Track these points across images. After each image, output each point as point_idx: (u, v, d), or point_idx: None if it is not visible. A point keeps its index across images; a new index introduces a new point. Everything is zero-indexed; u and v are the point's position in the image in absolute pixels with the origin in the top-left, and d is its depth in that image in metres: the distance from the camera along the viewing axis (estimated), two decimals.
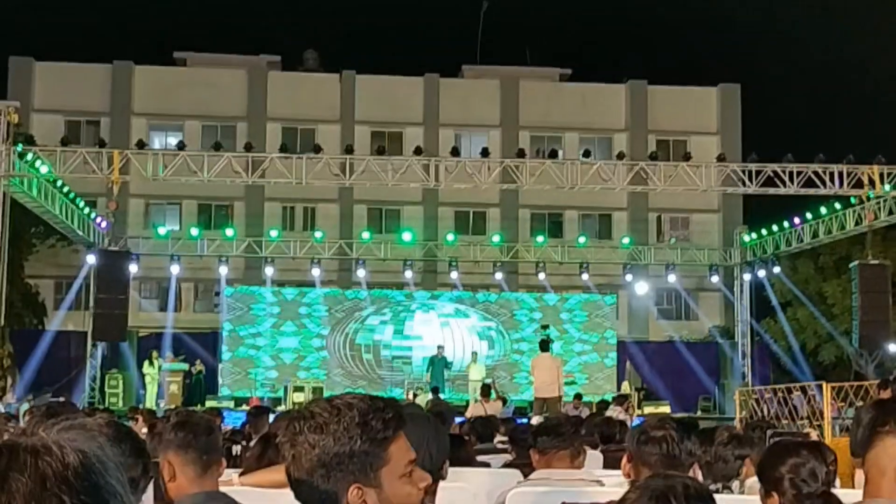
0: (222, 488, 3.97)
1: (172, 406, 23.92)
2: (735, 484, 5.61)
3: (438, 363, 29.02)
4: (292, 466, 2.30)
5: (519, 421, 14.08)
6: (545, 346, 22.07)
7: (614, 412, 17.97)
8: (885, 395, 14.00)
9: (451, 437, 3.98)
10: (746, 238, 33.43)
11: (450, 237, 33.96)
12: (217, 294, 38.22)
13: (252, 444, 9.36)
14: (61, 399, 20.20)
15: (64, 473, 1.16)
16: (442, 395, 27.07)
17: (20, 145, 24.08)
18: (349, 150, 26.72)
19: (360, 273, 32.21)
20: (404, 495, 2.30)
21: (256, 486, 4.89)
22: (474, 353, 29.65)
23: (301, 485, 2.29)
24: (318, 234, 33.37)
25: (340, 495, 2.25)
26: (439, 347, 29.59)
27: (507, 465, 7.48)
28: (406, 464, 2.34)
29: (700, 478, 4.15)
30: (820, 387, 26.78)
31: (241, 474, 5.41)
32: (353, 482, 2.25)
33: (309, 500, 2.29)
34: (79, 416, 3.26)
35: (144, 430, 7.80)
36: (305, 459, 2.26)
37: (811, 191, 25.42)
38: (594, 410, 19.65)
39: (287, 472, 2.32)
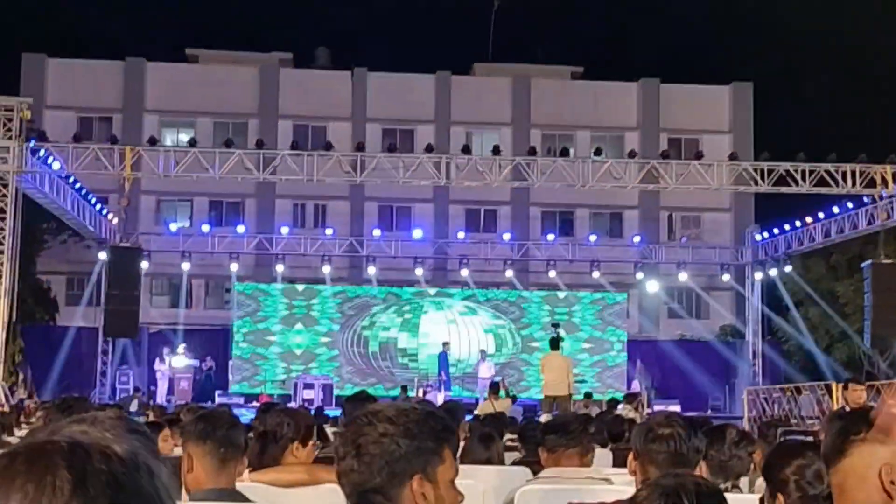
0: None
1: (182, 402, 24.00)
2: (744, 482, 5.61)
3: (444, 361, 29.05)
4: (353, 459, 2.41)
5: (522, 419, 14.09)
6: (555, 344, 22.04)
7: (624, 410, 17.96)
8: (853, 394, 14.00)
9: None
10: (758, 237, 33.36)
11: (460, 235, 33.97)
12: (228, 291, 38.32)
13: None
14: (75, 395, 20.28)
15: (111, 475, 1.12)
16: (450, 394, 27.16)
17: (33, 141, 24.18)
18: (360, 147, 26.75)
19: (371, 270, 32.25)
20: (452, 497, 2.46)
21: (267, 483, 4.91)
22: (482, 351, 29.66)
23: (358, 475, 2.41)
24: (328, 232, 33.42)
25: (400, 485, 2.39)
26: (445, 344, 29.60)
27: (516, 463, 7.49)
28: (454, 471, 2.50)
29: (706, 476, 4.15)
30: (829, 387, 26.75)
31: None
32: (415, 473, 2.39)
33: (364, 492, 2.41)
34: (91, 411, 3.29)
35: (165, 432, 7.81)
36: (372, 448, 2.39)
37: (823, 190, 25.35)
38: (604, 409, 19.65)
39: (340, 466, 2.44)
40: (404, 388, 26.84)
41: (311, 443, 5.55)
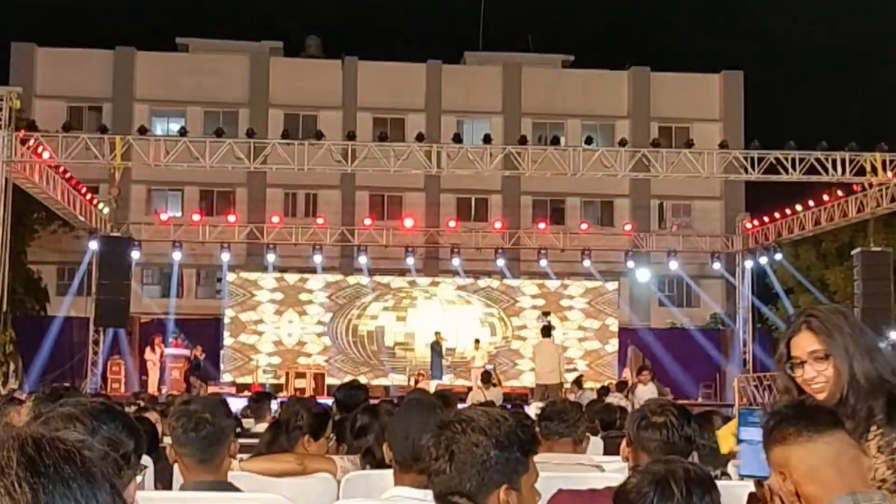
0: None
1: (175, 392, 23.97)
2: (732, 469, 5.61)
3: (437, 349, 29.04)
4: (446, 463, 2.58)
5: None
6: (547, 332, 22.07)
7: (615, 399, 18.00)
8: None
9: None
10: (748, 225, 33.40)
11: (451, 224, 33.94)
12: (219, 280, 38.25)
13: (255, 429, 9.39)
14: (66, 384, 20.23)
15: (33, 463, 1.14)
16: (440, 381, 27.17)
17: (22, 131, 24.07)
18: (351, 136, 26.69)
19: (362, 260, 32.21)
20: (531, 499, 2.64)
21: (258, 473, 4.90)
22: (477, 340, 29.67)
23: (449, 479, 2.58)
24: (319, 221, 33.37)
25: (487, 492, 2.56)
26: (437, 333, 29.62)
27: None
28: (535, 476, 2.68)
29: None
30: None
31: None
32: (503, 482, 2.56)
33: (451, 494, 2.58)
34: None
35: (154, 416, 7.82)
36: (465, 455, 2.56)
37: (813, 178, 25.38)
38: (596, 397, 19.70)
39: (433, 466, 2.62)
40: (416, 381, 26.82)
41: (323, 436, 5.55)
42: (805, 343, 3.17)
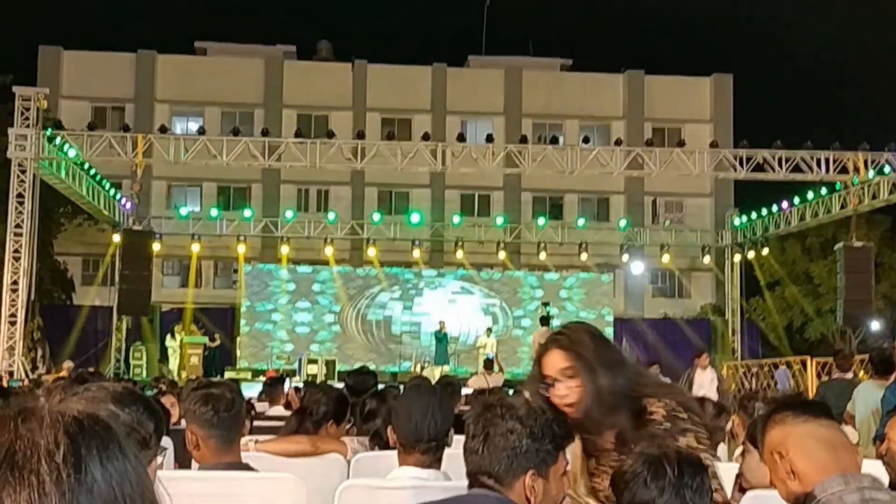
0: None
1: (193, 377, 24.01)
2: (723, 451, 5.62)
3: (443, 338, 29.04)
4: (480, 444, 2.63)
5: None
6: (546, 321, 22.10)
7: None
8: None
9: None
10: (737, 221, 33.40)
11: (456, 219, 33.96)
12: (235, 271, 38.30)
13: (269, 412, 9.41)
14: (90, 370, 20.28)
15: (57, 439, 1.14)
16: (448, 369, 27.18)
17: (49, 130, 24.09)
18: (361, 135, 26.70)
19: (371, 252, 32.26)
20: (557, 489, 2.68)
21: (273, 453, 4.91)
22: (489, 329, 29.58)
23: (480, 458, 2.63)
24: (331, 216, 33.39)
25: (514, 477, 2.60)
26: (441, 322, 29.62)
27: None
28: (564, 468, 2.72)
29: None
30: (804, 362, 26.80)
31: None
32: (530, 469, 2.60)
33: (481, 474, 2.64)
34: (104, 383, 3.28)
35: (171, 400, 7.83)
36: (499, 440, 2.61)
37: (799, 176, 25.36)
38: None
39: (467, 444, 2.67)
40: (421, 368, 26.81)
41: (343, 421, 5.57)
42: (555, 361, 3.05)
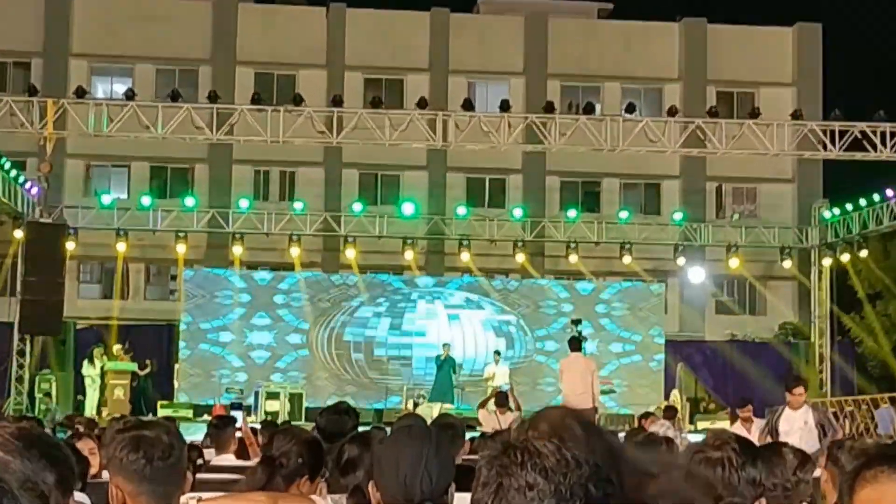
0: None
1: (118, 415, 23.99)
2: None
3: (446, 365, 29.00)
4: (490, 495, 2.57)
5: None
6: (577, 345, 22.03)
7: (660, 428, 17.97)
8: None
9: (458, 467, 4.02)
10: (827, 214, 33.34)
11: (461, 210, 33.91)
12: (174, 278, 38.26)
13: (225, 458, 9.40)
14: None
15: None
16: (451, 407, 27.14)
17: None
18: (337, 101, 26.68)
19: (350, 253, 32.22)
20: None
21: None
22: (497, 353, 29.59)
23: None
24: (298, 206, 33.34)
25: None
26: (445, 346, 29.56)
27: None
28: None
29: None
30: None
31: None
32: None
33: None
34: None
35: (90, 445, 7.83)
36: (514, 495, 2.54)
37: None
38: (635, 425, 19.68)
39: (475, 494, 2.61)
40: (414, 404, 26.80)
41: (319, 476, 5.57)
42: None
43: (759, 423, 15.10)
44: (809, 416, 14.28)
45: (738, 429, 15.19)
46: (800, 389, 14.74)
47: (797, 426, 14.16)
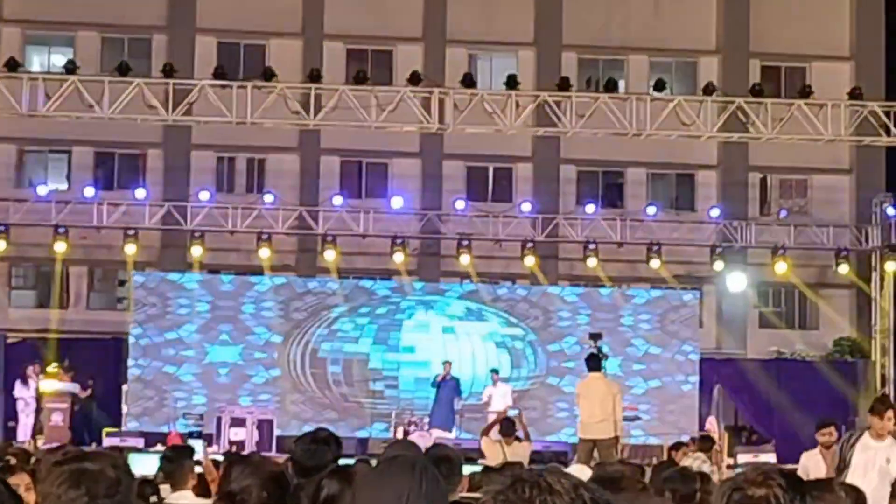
0: None
1: (56, 445, 23.99)
2: None
3: (446, 388, 28.99)
4: None
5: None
6: (596, 363, 22.07)
7: (694, 461, 18.01)
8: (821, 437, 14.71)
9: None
10: (891, 211, 33.39)
11: (460, 205, 33.95)
12: (122, 283, 38.25)
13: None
14: None
15: None
16: (451, 436, 27.18)
17: None
18: (315, 76, 26.69)
19: (329, 255, 32.23)
20: None
21: None
22: (495, 371, 29.64)
23: None
24: (268, 199, 33.36)
25: None
26: (446, 363, 29.57)
27: None
28: None
29: None
30: None
31: None
32: None
33: None
34: None
35: (24, 480, 7.84)
36: None
37: None
38: (665, 457, 19.73)
39: None
40: (404, 432, 26.80)
41: None
42: None
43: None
44: (895, 454, 12.69)
45: (812, 457, 14.88)
46: (890, 414, 13.09)
47: (879, 461, 12.55)
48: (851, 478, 11.15)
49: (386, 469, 4.01)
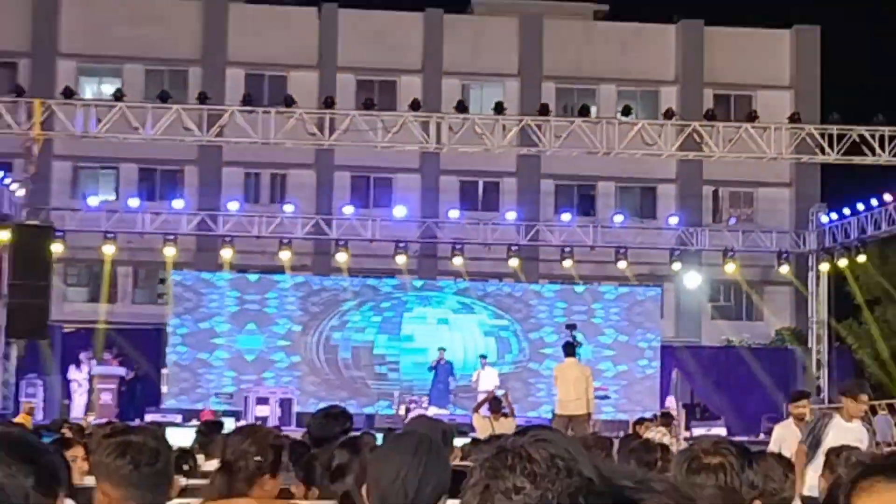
0: None
1: (104, 420, 23.95)
2: None
3: (442, 371, 28.97)
4: (473, 497, 2.51)
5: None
6: (571, 350, 22.03)
7: (656, 434, 17.98)
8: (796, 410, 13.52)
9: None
10: (825, 219, 33.37)
11: (454, 214, 33.91)
12: (162, 281, 38.20)
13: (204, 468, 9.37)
14: None
15: None
16: (446, 412, 27.14)
17: None
18: (329, 102, 26.65)
19: (341, 257, 32.19)
20: None
21: None
22: (483, 356, 29.61)
23: None
24: (288, 208, 33.31)
25: None
26: (441, 350, 29.56)
27: None
28: None
29: None
30: None
31: None
32: None
33: None
34: None
35: (80, 452, 7.79)
36: (499, 498, 2.47)
37: None
38: (630, 431, 19.70)
39: (464, 495, 2.55)
40: (406, 409, 26.79)
41: (280, 471, 5.51)
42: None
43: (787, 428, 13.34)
44: (866, 436, 11.74)
45: (787, 428, 13.57)
46: (864, 398, 12.16)
47: (851, 442, 10.73)
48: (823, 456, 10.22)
49: (392, 444, 3.99)
